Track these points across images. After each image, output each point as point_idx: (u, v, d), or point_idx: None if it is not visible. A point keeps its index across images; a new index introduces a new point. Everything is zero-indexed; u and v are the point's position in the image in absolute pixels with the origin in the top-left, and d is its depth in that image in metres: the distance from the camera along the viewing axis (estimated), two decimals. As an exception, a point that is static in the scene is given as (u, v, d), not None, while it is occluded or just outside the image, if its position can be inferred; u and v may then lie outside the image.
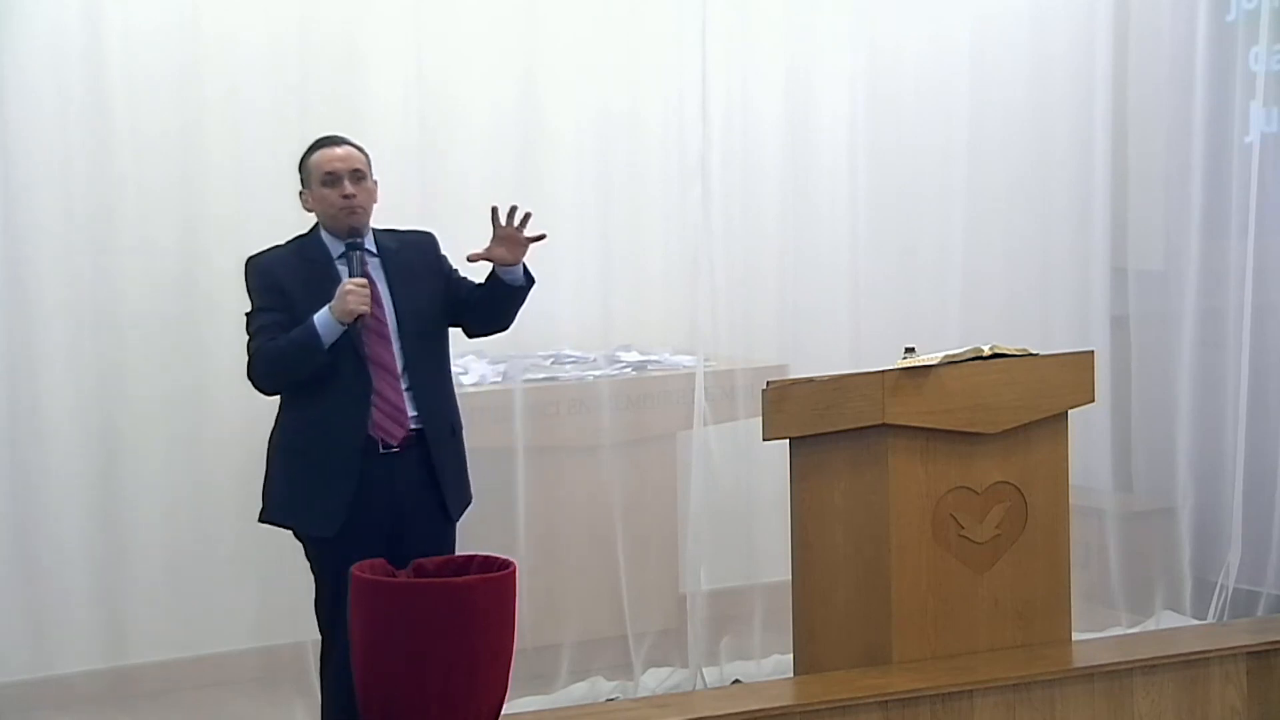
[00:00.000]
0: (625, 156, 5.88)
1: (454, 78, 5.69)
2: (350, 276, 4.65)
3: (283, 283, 4.68)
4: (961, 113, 6.24)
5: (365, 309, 4.61)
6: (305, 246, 4.78)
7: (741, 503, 5.93)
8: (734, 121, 5.89)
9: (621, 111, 5.86)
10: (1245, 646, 5.44)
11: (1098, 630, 5.91)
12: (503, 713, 4.34)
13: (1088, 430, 5.98)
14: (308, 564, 4.79)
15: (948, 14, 6.24)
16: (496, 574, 4.31)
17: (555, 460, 5.78)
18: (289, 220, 5.33)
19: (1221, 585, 6.19)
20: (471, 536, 4.94)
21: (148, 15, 5.43)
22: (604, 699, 5.55)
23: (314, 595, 4.77)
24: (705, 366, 5.74)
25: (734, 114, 5.89)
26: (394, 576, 4.37)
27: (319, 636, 4.82)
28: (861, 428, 5.08)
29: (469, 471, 4.89)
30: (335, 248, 4.75)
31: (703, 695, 5.45)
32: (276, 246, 4.79)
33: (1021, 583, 5.27)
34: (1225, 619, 6.11)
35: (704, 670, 5.69)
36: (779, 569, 5.43)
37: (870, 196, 6.13)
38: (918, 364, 5.11)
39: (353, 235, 4.71)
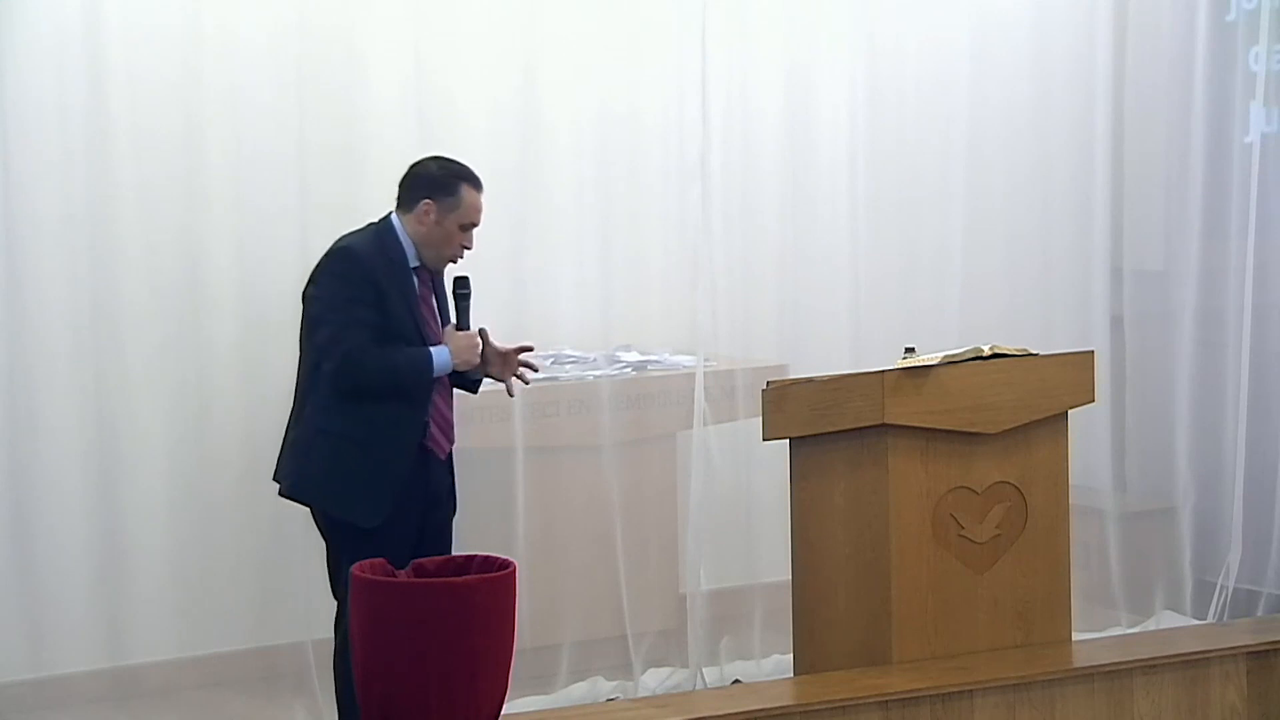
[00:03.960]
0: (625, 156, 5.88)
1: (454, 78, 5.69)
2: (460, 323, 4.83)
3: (381, 281, 4.75)
4: (961, 113, 6.24)
5: (479, 362, 4.85)
6: (386, 243, 4.83)
7: (741, 503, 5.93)
8: (734, 121, 5.89)
9: (621, 111, 5.86)
10: (1245, 646, 5.42)
11: (1098, 630, 5.91)
12: (503, 713, 4.33)
13: (1088, 430, 5.98)
14: (325, 562, 4.84)
15: (948, 14, 6.24)
16: (496, 574, 4.30)
17: (555, 460, 5.77)
18: (289, 219, 5.34)
19: (1221, 585, 6.19)
20: (472, 536, 4.95)
21: (148, 15, 5.43)
22: (604, 699, 5.55)
23: (334, 588, 4.81)
24: (705, 366, 5.74)
25: (734, 114, 5.89)
26: (394, 576, 4.37)
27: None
28: (861, 428, 5.07)
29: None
30: (413, 257, 4.83)
31: (703, 695, 5.45)
32: (357, 232, 4.83)
33: (1021, 583, 5.27)
34: (1225, 619, 6.11)
35: (704, 670, 5.69)
36: (779, 569, 5.43)
37: (870, 196, 6.12)
38: (918, 364, 5.11)
39: (458, 280, 4.88)
